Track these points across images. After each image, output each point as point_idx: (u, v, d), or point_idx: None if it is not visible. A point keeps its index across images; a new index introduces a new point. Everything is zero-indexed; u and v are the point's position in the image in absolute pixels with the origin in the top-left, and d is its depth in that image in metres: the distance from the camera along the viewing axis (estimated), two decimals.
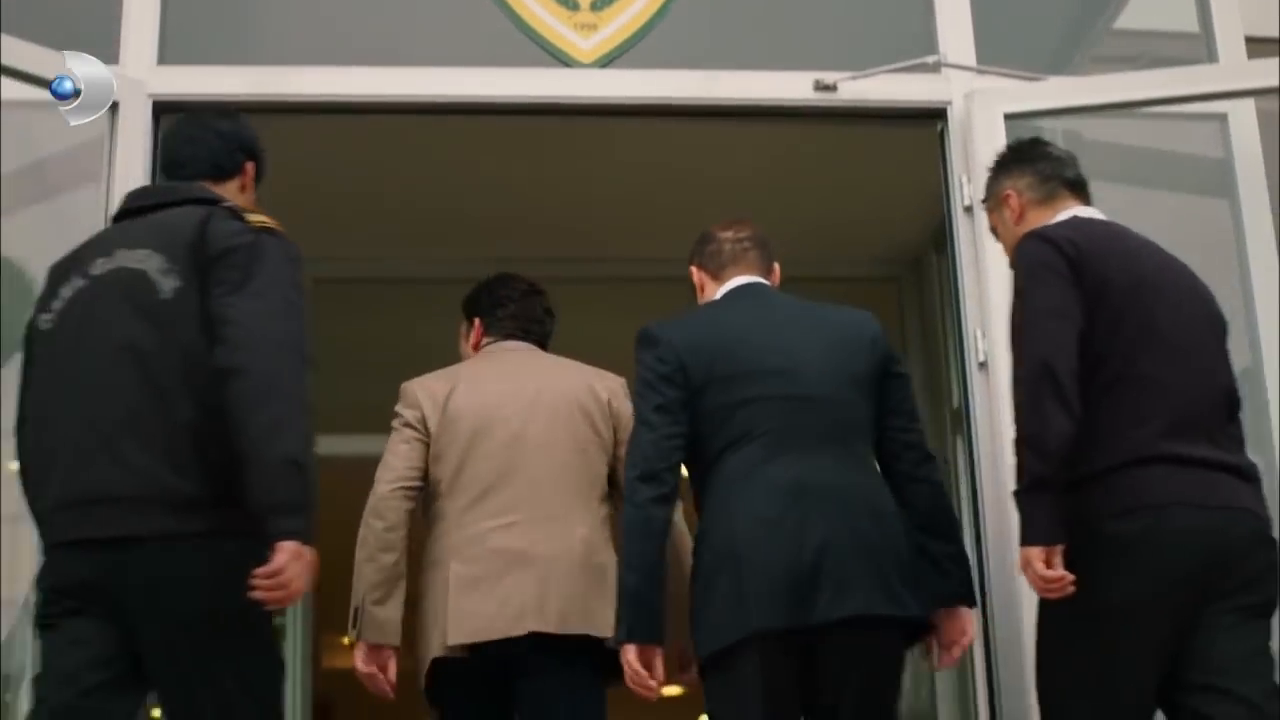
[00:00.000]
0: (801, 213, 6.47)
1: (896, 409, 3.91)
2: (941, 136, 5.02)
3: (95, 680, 3.33)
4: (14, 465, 3.63)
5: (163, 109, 4.76)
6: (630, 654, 3.68)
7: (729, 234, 4.14)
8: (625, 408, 4.35)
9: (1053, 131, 4.85)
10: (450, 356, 4.78)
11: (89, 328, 3.45)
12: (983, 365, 4.70)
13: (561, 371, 4.58)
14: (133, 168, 4.66)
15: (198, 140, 3.78)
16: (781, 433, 3.71)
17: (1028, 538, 3.38)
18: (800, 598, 3.53)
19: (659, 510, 3.70)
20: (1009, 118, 4.86)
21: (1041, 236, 3.58)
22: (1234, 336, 3.83)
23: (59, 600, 3.39)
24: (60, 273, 3.63)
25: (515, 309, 4.79)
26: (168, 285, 3.40)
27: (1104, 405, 3.41)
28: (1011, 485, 3.54)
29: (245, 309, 3.30)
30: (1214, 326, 3.66)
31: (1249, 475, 3.58)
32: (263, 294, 3.34)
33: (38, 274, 3.86)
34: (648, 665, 3.68)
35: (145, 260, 3.44)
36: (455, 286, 4.85)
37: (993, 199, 3.96)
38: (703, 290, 4.16)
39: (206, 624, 3.29)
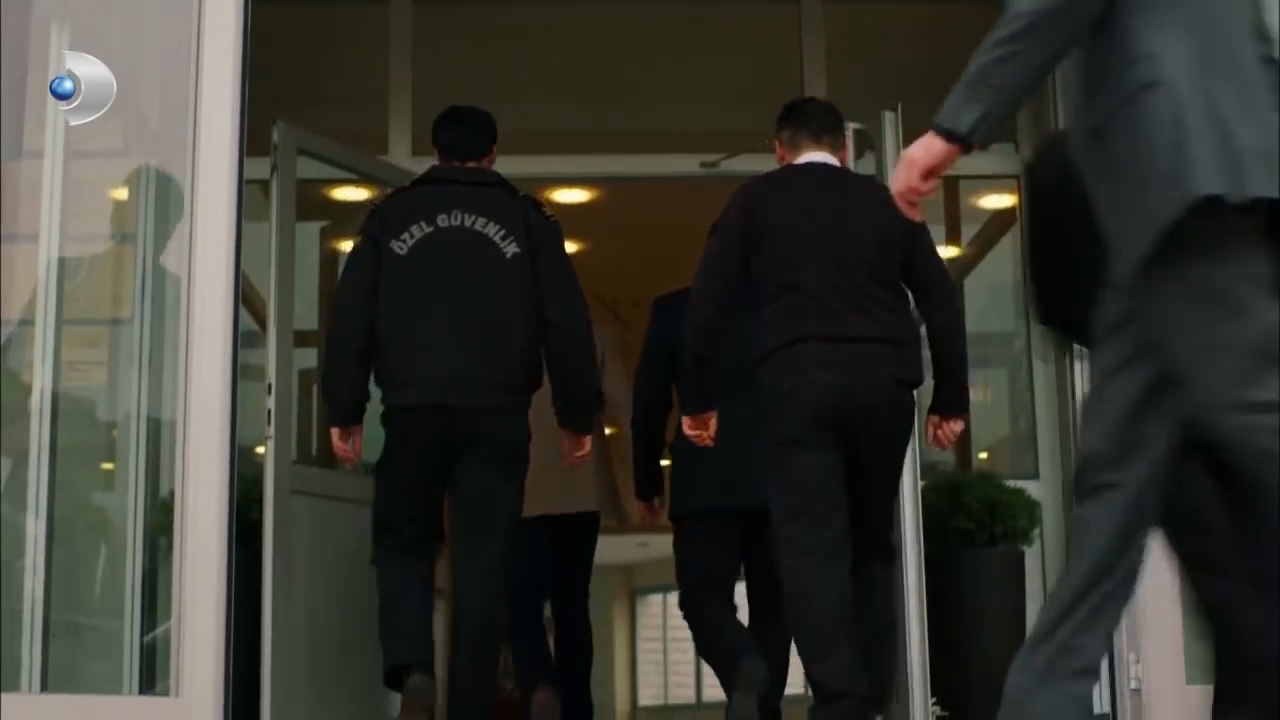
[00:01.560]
0: None
1: None
2: None
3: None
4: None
5: None
6: (640, 505, 5.87)
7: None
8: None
9: None
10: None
11: (446, 263, 5.09)
12: None
13: None
14: None
15: (470, 131, 5.41)
16: (727, 387, 5.07)
17: (686, 408, 5.05)
18: (732, 491, 5.33)
19: (656, 425, 5.74)
20: None
21: (738, 194, 4.96)
22: None
23: (409, 445, 5.05)
24: (406, 214, 5.18)
25: None
26: (508, 250, 5.11)
27: (775, 307, 4.78)
28: None
29: (564, 285, 5.17)
30: (873, 236, 4.77)
31: (897, 342, 4.78)
32: (569, 273, 5.24)
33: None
34: (651, 511, 5.85)
35: (485, 226, 5.12)
36: None
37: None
38: None
39: (517, 460, 5.10)
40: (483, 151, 5.35)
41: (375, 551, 5.08)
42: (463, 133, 5.39)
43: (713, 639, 5.50)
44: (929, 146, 3.01)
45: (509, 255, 5.08)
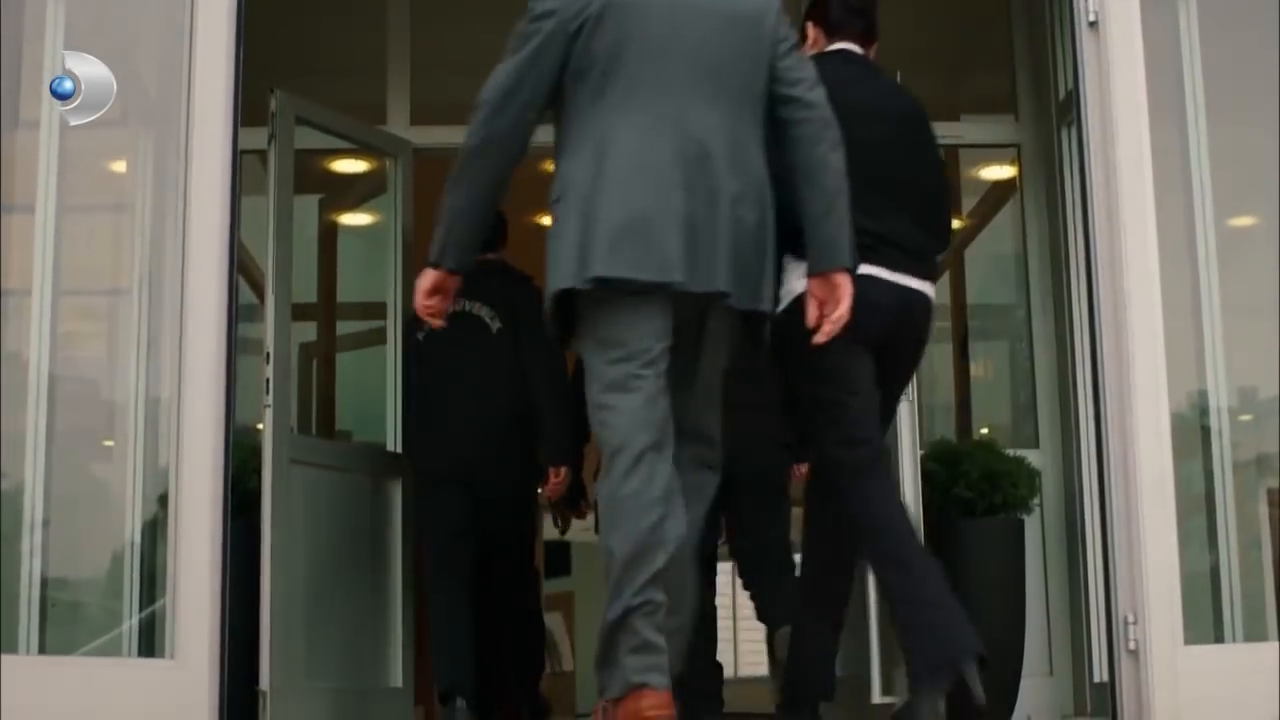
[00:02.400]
0: None
1: None
2: None
3: (461, 526, 6.13)
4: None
5: None
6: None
7: None
8: None
9: None
10: None
11: (448, 344, 5.94)
12: (1093, 24, 4.53)
13: None
14: None
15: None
16: None
17: None
18: None
19: (582, 441, 6.27)
20: None
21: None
22: None
23: (439, 483, 6.12)
24: None
25: None
26: (494, 326, 6.18)
27: None
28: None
29: (539, 345, 5.87)
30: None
31: None
32: (542, 334, 5.50)
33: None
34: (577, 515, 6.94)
35: (480, 309, 6.16)
36: None
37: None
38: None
39: (522, 487, 6.34)
40: (491, 245, 6.17)
41: (429, 584, 6.20)
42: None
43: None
44: (422, 275, 3.90)
45: (494, 330, 6.19)
